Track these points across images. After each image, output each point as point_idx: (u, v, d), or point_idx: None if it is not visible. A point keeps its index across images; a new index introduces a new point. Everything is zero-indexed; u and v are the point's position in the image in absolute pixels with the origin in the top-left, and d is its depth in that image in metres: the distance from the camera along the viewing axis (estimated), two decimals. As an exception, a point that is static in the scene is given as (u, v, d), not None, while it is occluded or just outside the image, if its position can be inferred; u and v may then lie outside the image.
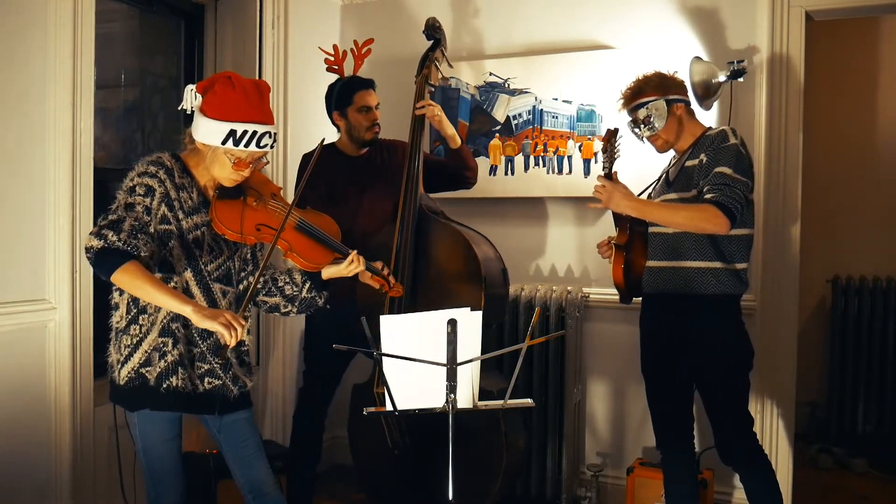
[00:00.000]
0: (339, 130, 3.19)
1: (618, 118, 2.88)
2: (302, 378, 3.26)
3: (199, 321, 1.95)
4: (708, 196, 2.46)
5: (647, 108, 2.63)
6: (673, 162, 2.74)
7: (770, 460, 2.69)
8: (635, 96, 2.67)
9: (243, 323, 1.98)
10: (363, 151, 3.18)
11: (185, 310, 1.96)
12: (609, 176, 2.62)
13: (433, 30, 3.14)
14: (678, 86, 2.70)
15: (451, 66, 3.17)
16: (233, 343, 1.96)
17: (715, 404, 2.61)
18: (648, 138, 2.69)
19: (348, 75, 3.23)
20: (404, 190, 2.98)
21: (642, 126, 2.66)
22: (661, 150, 2.73)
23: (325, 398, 3.20)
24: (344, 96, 3.11)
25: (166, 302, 1.97)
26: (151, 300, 2.00)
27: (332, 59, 3.24)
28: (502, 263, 3.03)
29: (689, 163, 2.62)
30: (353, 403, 3.13)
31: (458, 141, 3.12)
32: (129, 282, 1.96)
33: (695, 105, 3.22)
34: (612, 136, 2.65)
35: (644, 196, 2.81)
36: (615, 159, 2.64)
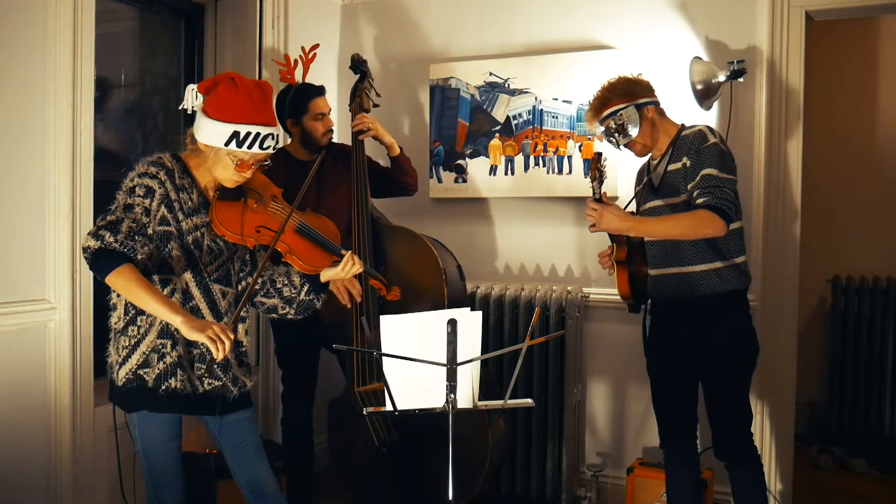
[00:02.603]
0: (291, 136, 3.20)
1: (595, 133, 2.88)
2: (281, 383, 3.28)
3: (188, 332, 1.95)
4: (700, 201, 2.46)
5: (618, 117, 2.62)
6: (654, 165, 2.72)
7: (761, 459, 2.69)
8: (603, 106, 2.65)
9: (231, 336, 1.97)
10: (314, 156, 3.17)
11: (175, 319, 1.96)
12: (599, 199, 2.61)
13: (359, 63, 3.28)
14: (645, 88, 2.68)
15: (378, 94, 3.34)
16: (219, 357, 1.95)
17: (717, 400, 2.61)
18: (626, 146, 2.68)
19: (298, 82, 3.25)
20: (355, 202, 3.05)
21: (617, 135, 2.65)
22: (641, 154, 2.73)
23: (307, 396, 3.21)
24: (298, 105, 3.11)
25: (157, 309, 1.97)
26: (143, 306, 2.00)
27: (285, 69, 3.28)
28: (457, 260, 3.11)
29: (671, 167, 2.61)
30: (330, 419, 3.17)
31: (397, 150, 3.19)
32: (123, 285, 1.96)
33: (694, 105, 3.23)
34: (597, 161, 2.63)
35: (632, 205, 2.82)
36: (603, 181, 2.64)
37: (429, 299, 2.89)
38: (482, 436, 2.87)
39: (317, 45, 3.36)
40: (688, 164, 2.54)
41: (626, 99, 2.62)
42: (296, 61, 3.29)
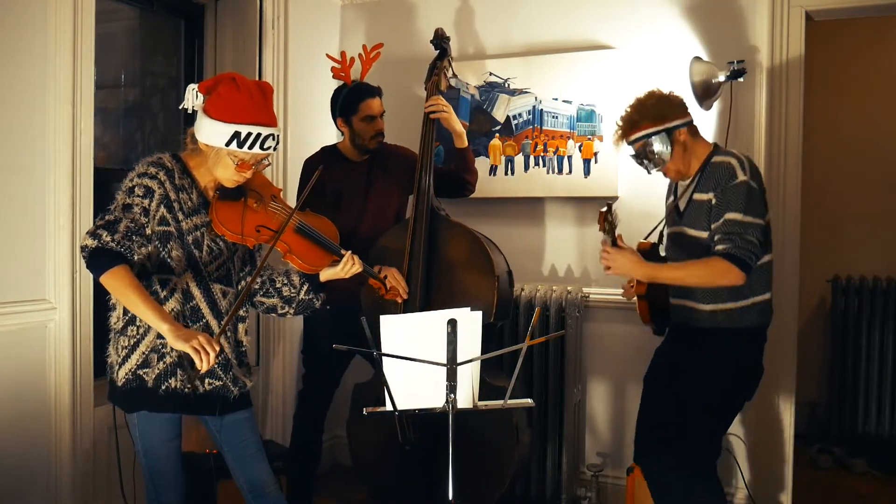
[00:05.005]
0: (342, 135, 3.18)
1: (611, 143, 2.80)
2: (301, 381, 3.26)
3: (173, 341, 1.94)
4: (719, 248, 2.36)
5: (647, 143, 2.48)
6: (683, 187, 2.61)
7: (723, 491, 2.59)
8: (632, 129, 2.51)
9: (216, 348, 1.95)
10: (365, 157, 3.17)
11: (162, 327, 1.95)
12: (614, 243, 2.50)
13: (441, 39, 3.17)
14: (677, 107, 2.52)
15: (455, 75, 3.22)
16: (204, 368, 1.93)
17: (693, 425, 2.54)
18: (658, 171, 2.55)
19: (354, 80, 3.18)
20: (417, 189, 2.98)
21: (647, 161, 2.52)
22: (675, 178, 2.60)
23: (324, 401, 3.19)
24: (349, 104, 3.07)
25: (146, 314, 1.95)
26: (133, 309, 2.00)
27: (339, 66, 3.17)
28: (508, 265, 3.05)
29: (697, 196, 2.49)
30: (353, 402, 3.13)
31: (465, 142, 3.12)
32: (116, 286, 1.96)
33: (695, 105, 3.23)
34: (605, 216, 2.50)
35: (656, 233, 2.76)
36: (615, 230, 2.51)
37: (477, 303, 2.73)
38: (509, 450, 2.84)
39: (380, 45, 3.23)
40: (713, 201, 2.42)
41: (656, 122, 2.47)
42: (352, 59, 3.20)
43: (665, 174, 2.59)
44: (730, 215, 2.37)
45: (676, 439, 2.62)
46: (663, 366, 2.71)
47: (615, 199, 3.45)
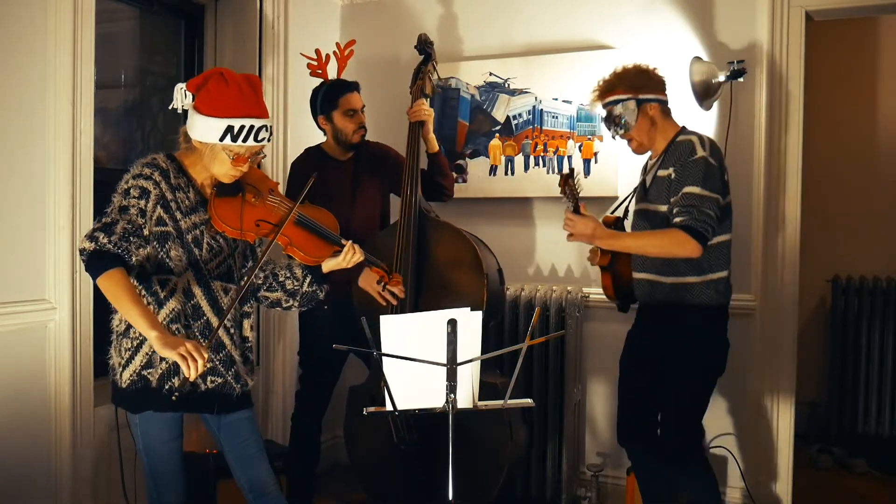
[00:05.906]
0: (325, 134, 3.18)
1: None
2: (298, 381, 3.26)
3: (160, 349, 1.92)
4: (677, 220, 2.43)
5: (618, 107, 2.60)
6: (650, 165, 2.71)
7: (713, 471, 2.65)
8: (607, 92, 2.63)
9: (205, 355, 1.93)
10: (350, 154, 3.17)
11: (151, 334, 1.93)
12: (577, 210, 2.60)
13: (425, 44, 3.20)
14: (655, 84, 2.64)
15: (440, 78, 3.25)
16: (192, 376, 1.92)
17: (668, 408, 2.61)
18: (622, 137, 2.67)
19: (332, 78, 3.21)
20: (406, 191, 3.00)
21: (614, 126, 2.63)
22: (636, 151, 2.70)
23: (322, 400, 3.20)
24: (329, 100, 3.09)
25: (136, 320, 1.94)
26: (124, 313, 1.99)
27: (315, 63, 3.22)
28: (498, 263, 3.07)
29: (660, 172, 2.58)
30: (349, 405, 3.14)
31: (436, 147, 3.15)
32: (110, 289, 1.95)
33: (694, 105, 3.23)
34: (565, 180, 2.61)
35: (623, 206, 2.83)
36: (577, 196, 2.62)
37: (467, 302, 2.79)
38: (503, 448, 2.85)
39: (353, 42, 3.28)
40: (673, 175, 2.51)
41: (630, 91, 2.59)
42: (327, 56, 3.22)
43: (629, 143, 2.68)
44: (688, 189, 2.45)
45: (657, 427, 2.70)
46: (635, 350, 2.76)
47: (614, 199, 3.45)
